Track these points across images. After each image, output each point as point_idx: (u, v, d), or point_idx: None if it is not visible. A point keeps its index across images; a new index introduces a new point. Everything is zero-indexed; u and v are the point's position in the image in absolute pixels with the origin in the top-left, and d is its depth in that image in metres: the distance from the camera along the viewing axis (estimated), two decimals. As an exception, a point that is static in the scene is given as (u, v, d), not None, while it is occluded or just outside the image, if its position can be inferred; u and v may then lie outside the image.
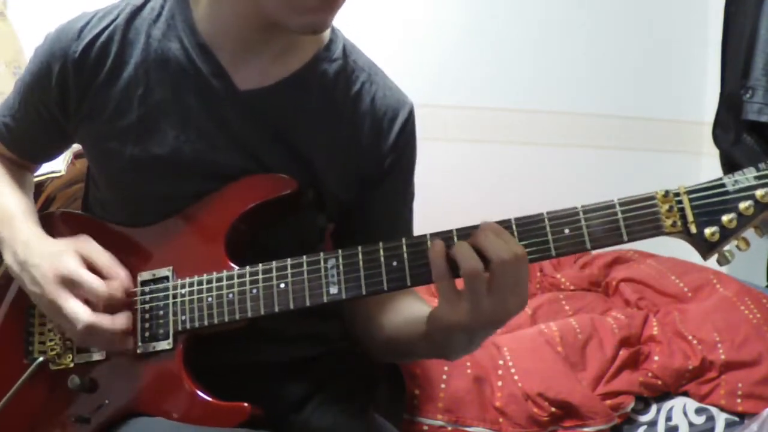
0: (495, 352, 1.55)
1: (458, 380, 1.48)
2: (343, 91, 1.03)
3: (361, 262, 0.87)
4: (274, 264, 0.92)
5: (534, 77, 2.43)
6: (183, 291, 0.96)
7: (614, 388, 1.54)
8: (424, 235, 0.86)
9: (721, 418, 1.55)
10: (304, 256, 0.91)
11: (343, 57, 1.04)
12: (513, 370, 1.52)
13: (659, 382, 1.56)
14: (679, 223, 0.81)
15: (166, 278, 0.98)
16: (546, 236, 0.83)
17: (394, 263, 0.86)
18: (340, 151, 1.03)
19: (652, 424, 1.54)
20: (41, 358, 1.03)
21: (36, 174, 1.23)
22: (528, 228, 0.83)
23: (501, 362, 1.53)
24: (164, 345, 0.96)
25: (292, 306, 0.90)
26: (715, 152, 2.14)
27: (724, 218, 0.80)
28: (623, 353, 1.58)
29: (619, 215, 0.82)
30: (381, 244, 0.87)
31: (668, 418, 1.55)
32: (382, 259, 0.86)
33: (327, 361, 1.11)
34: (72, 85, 1.01)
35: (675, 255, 2.02)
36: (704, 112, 2.41)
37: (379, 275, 0.87)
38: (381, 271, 0.86)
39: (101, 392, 0.99)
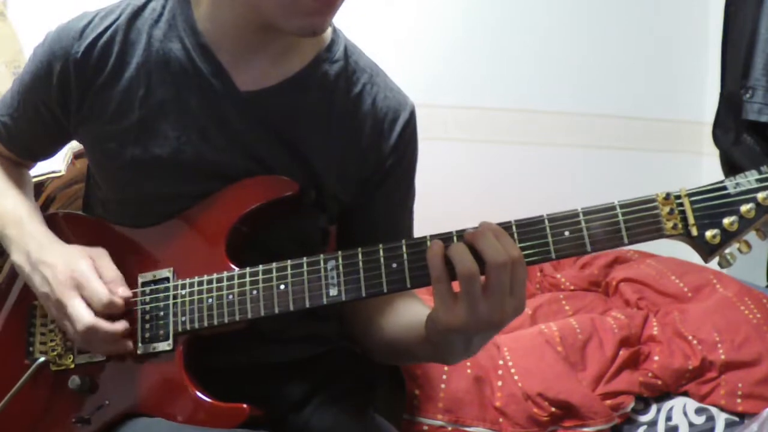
0: (495, 352, 1.55)
1: (458, 380, 1.48)
2: (344, 93, 1.03)
3: (361, 264, 0.87)
4: (274, 265, 0.92)
5: (534, 77, 2.43)
6: (183, 292, 0.96)
7: (614, 388, 1.54)
8: (424, 237, 0.86)
9: (721, 418, 1.55)
10: (304, 258, 0.91)
11: (345, 58, 1.03)
12: (513, 370, 1.52)
13: (659, 382, 1.56)
14: (680, 225, 0.81)
15: (167, 279, 0.98)
16: (546, 238, 0.82)
17: (394, 265, 0.86)
18: (340, 152, 1.02)
19: (652, 424, 1.54)
20: (42, 359, 1.03)
21: (36, 174, 1.23)
22: (528, 230, 0.83)
23: (501, 362, 1.53)
24: (164, 346, 0.96)
25: (292, 307, 0.90)
26: (715, 152, 2.14)
27: (726, 221, 0.80)
28: (623, 353, 1.58)
29: (620, 218, 0.81)
30: (381, 245, 0.87)
31: (668, 418, 1.55)
32: (382, 260, 0.86)
33: (327, 361, 1.11)
34: (73, 85, 1.01)
35: (675, 255, 2.02)
36: (704, 112, 2.41)
37: (378, 277, 0.86)
38: (381, 272, 0.86)
39: (101, 393, 0.99)
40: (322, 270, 0.89)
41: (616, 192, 0.89)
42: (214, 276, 0.95)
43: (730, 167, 2.05)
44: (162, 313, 0.97)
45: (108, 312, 0.95)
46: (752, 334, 1.63)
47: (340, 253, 0.89)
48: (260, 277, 0.92)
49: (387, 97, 1.05)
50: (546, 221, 0.83)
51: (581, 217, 0.82)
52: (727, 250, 0.81)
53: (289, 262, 0.91)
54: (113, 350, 0.97)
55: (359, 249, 0.88)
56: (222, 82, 0.99)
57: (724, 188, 0.80)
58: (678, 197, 0.81)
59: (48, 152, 1.18)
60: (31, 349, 1.06)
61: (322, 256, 0.90)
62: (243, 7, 0.94)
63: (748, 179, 0.80)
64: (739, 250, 0.81)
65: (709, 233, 0.80)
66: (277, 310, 0.91)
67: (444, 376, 1.48)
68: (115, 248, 1.02)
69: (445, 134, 2.37)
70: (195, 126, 0.99)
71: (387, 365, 1.17)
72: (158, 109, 0.99)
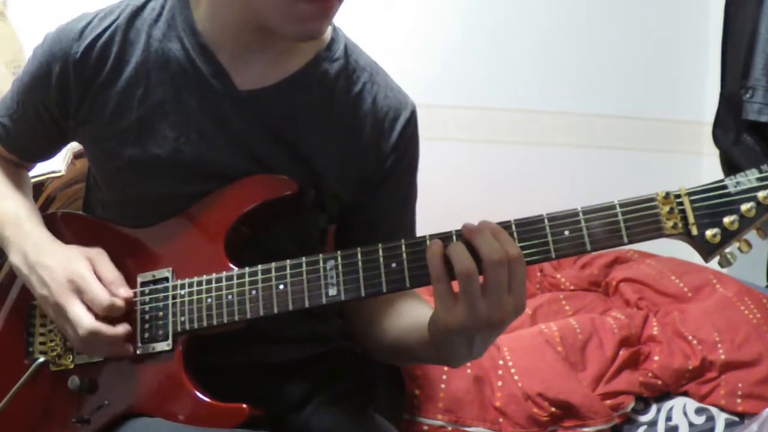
0: (495, 352, 1.55)
1: (458, 380, 1.48)
2: (344, 92, 1.03)
3: (360, 263, 0.87)
4: (273, 265, 0.92)
5: (534, 77, 2.42)
6: (182, 292, 0.96)
7: (614, 388, 1.54)
8: (424, 237, 0.86)
9: (721, 418, 1.55)
10: (303, 258, 0.90)
11: (345, 57, 1.03)
12: (513, 370, 1.52)
13: (659, 382, 1.56)
14: (680, 224, 0.80)
15: (166, 279, 0.98)
16: (546, 238, 0.82)
17: (393, 265, 0.86)
18: (340, 151, 1.02)
19: (652, 424, 1.54)
20: (42, 359, 1.03)
21: (36, 174, 1.23)
22: (528, 229, 0.82)
23: (501, 362, 1.53)
24: (163, 346, 0.96)
25: (291, 307, 0.90)
26: (715, 152, 2.14)
27: (726, 220, 0.79)
28: (623, 353, 1.58)
29: (620, 217, 0.81)
30: (380, 245, 0.87)
31: (668, 418, 1.55)
32: (381, 260, 0.86)
33: (327, 361, 1.10)
34: (73, 85, 1.01)
35: (675, 255, 2.02)
36: (704, 112, 2.41)
37: (378, 277, 0.86)
38: (380, 272, 0.86)
39: (101, 393, 0.99)
40: (321, 270, 0.89)
41: (616, 192, 0.89)
42: (213, 276, 0.95)
43: (730, 167, 2.04)
44: (161, 313, 0.97)
45: (109, 315, 0.95)
46: (752, 334, 1.63)
47: (339, 252, 0.89)
48: (259, 276, 0.92)
49: (388, 96, 1.05)
50: (546, 221, 0.82)
51: (581, 216, 0.81)
52: (727, 250, 0.80)
53: (288, 261, 0.91)
54: (114, 353, 0.97)
55: (358, 249, 0.88)
56: (221, 82, 0.99)
57: (725, 187, 0.80)
58: (678, 196, 0.81)
59: (47, 153, 1.17)
60: (30, 349, 1.06)
61: (321, 255, 0.90)
62: (241, 9, 0.94)
63: (748, 178, 0.79)
64: (740, 249, 0.81)
65: (709, 232, 0.79)
66: (276, 310, 0.91)
67: (444, 376, 1.48)
68: (115, 248, 1.02)
69: (445, 134, 2.37)
70: (194, 126, 0.99)
71: (387, 365, 1.17)
72: (157, 109, 0.99)
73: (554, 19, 2.42)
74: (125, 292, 0.97)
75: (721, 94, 2.10)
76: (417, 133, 1.09)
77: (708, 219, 0.80)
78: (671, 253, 2.04)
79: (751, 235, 0.81)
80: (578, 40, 2.44)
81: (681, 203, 0.80)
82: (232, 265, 0.95)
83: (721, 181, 0.80)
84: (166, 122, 0.99)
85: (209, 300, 0.94)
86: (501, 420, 1.47)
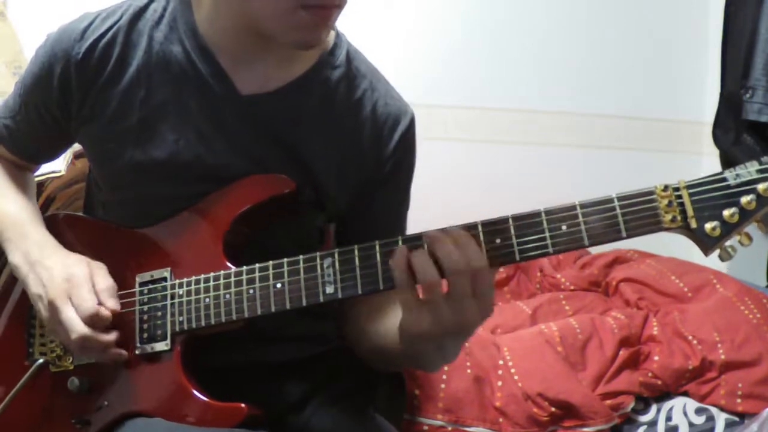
0: (495, 352, 1.55)
1: (458, 380, 1.48)
2: (344, 98, 1.02)
3: (357, 261, 0.87)
4: (270, 264, 0.91)
5: (534, 77, 2.43)
6: (181, 291, 0.96)
7: (614, 388, 1.54)
8: (421, 235, 0.85)
9: (721, 418, 1.55)
10: (301, 256, 0.90)
11: (346, 63, 1.03)
12: (513, 370, 1.52)
13: (659, 382, 1.56)
14: (678, 218, 0.78)
15: (165, 279, 0.98)
16: (543, 233, 0.81)
17: (390, 262, 0.86)
18: (339, 156, 1.02)
19: (652, 424, 1.54)
20: (42, 360, 1.03)
21: (36, 174, 1.23)
22: (525, 224, 0.81)
23: (501, 362, 1.53)
24: (162, 346, 0.95)
25: (288, 306, 0.90)
26: (715, 152, 2.15)
27: (726, 213, 0.77)
28: (623, 353, 1.58)
29: (618, 210, 0.79)
30: (377, 242, 0.86)
31: (668, 418, 1.55)
32: (378, 257, 0.86)
33: (327, 361, 1.10)
34: (74, 86, 1.00)
35: (675, 255, 2.02)
36: (704, 112, 2.41)
37: (375, 274, 0.86)
38: (377, 269, 0.86)
39: (100, 394, 0.99)
40: (319, 268, 0.89)
41: (615, 192, 0.88)
42: (211, 275, 0.94)
43: (730, 167, 2.04)
44: (160, 313, 0.97)
45: (93, 323, 0.94)
46: (752, 334, 1.63)
47: (336, 250, 0.88)
48: (257, 275, 0.92)
49: (387, 104, 1.05)
50: (543, 215, 0.81)
51: (578, 210, 0.80)
52: (727, 243, 0.79)
53: (285, 260, 0.91)
54: (106, 358, 0.97)
55: (355, 246, 0.87)
56: (222, 85, 0.99)
57: (724, 179, 0.78)
58: (676, 189, 0.79)
59: (50, 154, 1.17)
60: (30, 350, 1.06)
61: (318, 253, 0.89)
62: (240, 14, 0.93)
63: (748, 170, 0.78)
64: (740, 242, 0.79)
65: (708, 225, 0.78)
66: (273, 309, 0.90)
67: (444, 376, 1.48)
68: (115, 249, 1.02)
69: (445, 134, 2.37)
70: (194, 128, 0.99)
71: (386, 365, 1.17)
72: (158, 111, 0.99)
73: (554, 19, 2.42)
74: (113, 303, 0.96)
75: (721, 94, 2.11)
76: (415, 141, 1.08)
77: (707, 212, 0.78)
78: (671, 253, 2.04)
79: (752, 228, 0.79)
80: (578, 40, 2.44)
81: (680, 196, 0.79)
82: (230, 264, 0.95)
83: (721, 173, 0.79)
84: (167, 124, 0.99)
85: (207, 300, 0.94)
86: (501, 420, 1.47)
